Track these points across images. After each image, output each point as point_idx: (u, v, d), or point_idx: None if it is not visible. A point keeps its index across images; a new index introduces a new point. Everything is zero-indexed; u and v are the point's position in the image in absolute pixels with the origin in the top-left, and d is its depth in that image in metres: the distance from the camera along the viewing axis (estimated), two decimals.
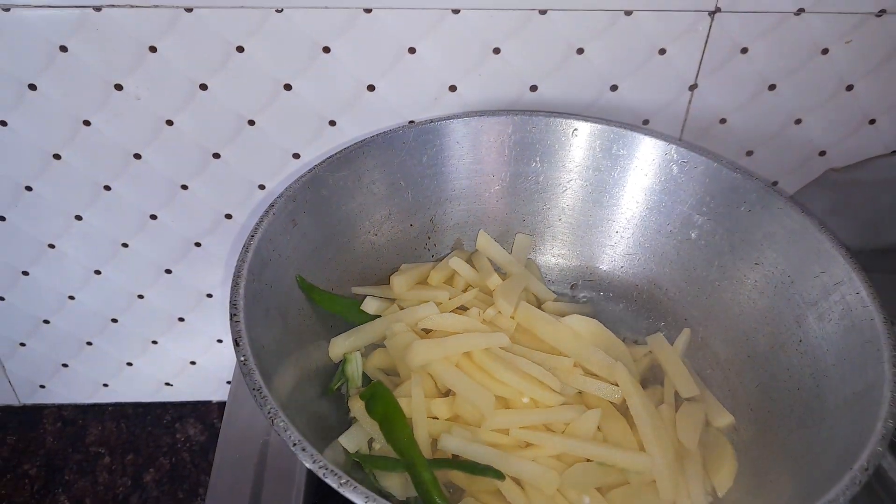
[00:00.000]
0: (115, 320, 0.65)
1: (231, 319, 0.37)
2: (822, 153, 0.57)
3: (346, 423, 0.44)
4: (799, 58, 0.51)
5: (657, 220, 0.51)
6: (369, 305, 0.49)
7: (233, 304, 0.38)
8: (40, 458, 0.70)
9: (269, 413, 0.34)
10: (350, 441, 0.42)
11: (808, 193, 0.58)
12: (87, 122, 0.52)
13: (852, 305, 0.40)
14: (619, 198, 0.52)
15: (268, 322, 0.41)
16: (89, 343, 0.67)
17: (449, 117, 0.50)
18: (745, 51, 0.51)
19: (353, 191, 0.49)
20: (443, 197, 0.53)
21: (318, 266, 0.47)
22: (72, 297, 0.63)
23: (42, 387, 0.71)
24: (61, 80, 0.50)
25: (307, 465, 0.32)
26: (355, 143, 0.48)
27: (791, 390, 0.42)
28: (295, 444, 0.33)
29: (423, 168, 0.51)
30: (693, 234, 0.50)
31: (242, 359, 0.36)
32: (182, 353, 0.69)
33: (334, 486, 0.32)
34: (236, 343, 0.36)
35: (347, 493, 0.31)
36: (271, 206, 0.44)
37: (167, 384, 0.72)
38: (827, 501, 0.32)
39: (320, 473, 0.32)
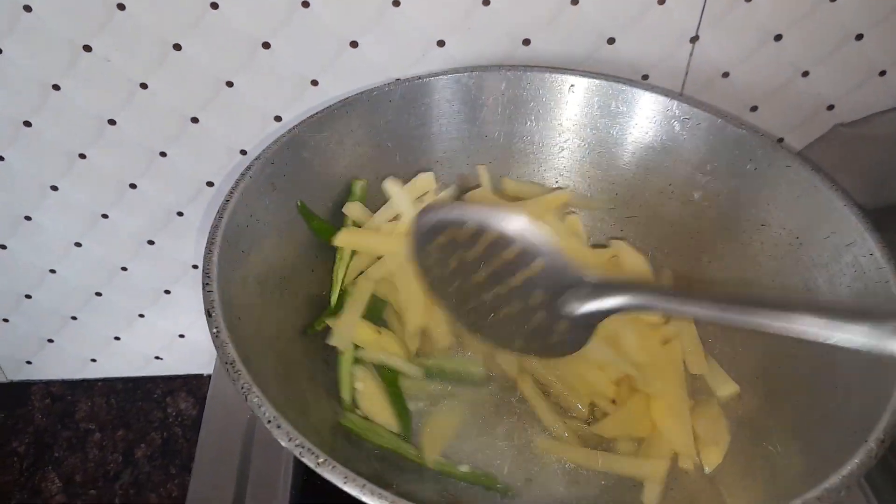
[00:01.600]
0: (98, 294, 0.63)
1: (203, 289, 0.35)
2: (830, 107, 0.54)
3: (327, 395, 0.43)
4: (805, 5, 0.49)
5: (658, 180, 0.49)
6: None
7: (205, 273, 0.36)
8: (29, 435, 0.69)
9: (242, 388, 0.32)
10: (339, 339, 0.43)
11: (815, 150, 0.56)
12: (56, 87, 0.49)
13: (865, 267, 0.37)
14: (619, 157, 0.50)
15: (245, 292, 0.39)
16: (74, 318, 0.65)
17: (438, 73, 0.48)
18: None
19: (337, 153, 0.46)
20: (433, 158, 0.50)
21: (300, 232, 0.45)
22: (53, 271, 0.61)
23: (29, 363, 0.69)
24: (26, 43, 0.47)
25: (282, 444, 0.30)
26: (337, 102, 0.46)
27: (800, 357, 0.40)
28: (269, 422, 0.31)
29: (410, 128, 0.48)
30: (696, 195, 0.48)
31: (215, 331, 0.34)
32: (170, 326, 0.67)
33: (311, 465, 0.30)
34: (208, 314, 0.34)
35: (325, 473, 0.30)
36: (248, 168, 0.41)
37: (156, 358, 0.70)
38: (841, 476, 0.30)
39: (297, 452, 0.30)
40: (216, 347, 0.33)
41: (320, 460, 0.30)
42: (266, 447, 0.50)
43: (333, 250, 0.46)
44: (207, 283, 0.35)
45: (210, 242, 0.37)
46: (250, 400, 0.31)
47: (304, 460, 0.30)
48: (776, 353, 0.42)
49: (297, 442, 0.30)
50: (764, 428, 0.41)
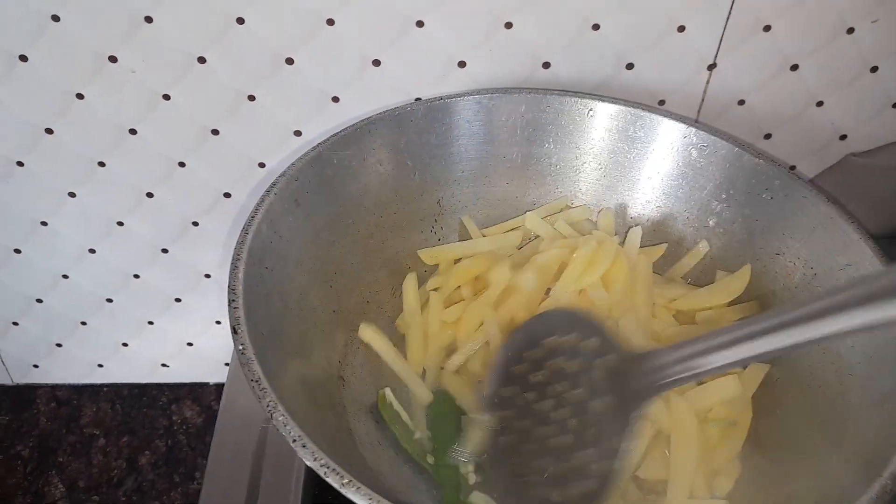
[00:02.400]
0: (110, 300, 0.64)
1: (230, 306, 0.35)
2: (843, 137, 0.55)
3: (350, 413, 0.43)
4: (823, 36, 0.49)
5: (674, 206, 0.49)
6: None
7: (231, 290, 0.36)
8: (33, 438, 0.69)
9: (267, 406, 0.32)
10: None
11: (827, 178, 0.56)
12: (79, 96, 0.50)
13: None
14: (635, 182, 0.50)
15: (268, 308, 0.39)
16: (84, 323, 0.65)
17: (460, 94, 0.48)
18: (767, 28, 0.49)
19: (358, 170, 0.47)
20: (451, 178, 0.51)
21: (321, 249, 0.45)
22: (65, 276, 0.61)
23: (36, 366, 0.69)
24: (53, 52, 0.47)
25: (308, 463, 0.31)
26: (361, 121, 0.46)
27: (813, 388, 0.40)
28: (295, 441, 0.31)
29: (431, 148, 0.49)
30: (711, 222, 0.48)
31: (241, 348, 0.34)
32: (179, 333, 0.68)
33: (336, 485, 0.30)
34: (234, 331, 0.34)
35: (350, 494, 0.30)
36: (273, 185, 0.42)
37: (163, 365, 0.70)
38: None
39: (321, 472, 0.30)
40: (241, 364, 0.33)
41: (345, 481, 0.30)
42: (277, 458, 0.50)
43: (351, 265, 0.47)
44: (234, 300, 0.36)
45: (235, 259, 0.37)
46: (275, 418, 0.32)
47: (329, 480, 0.30)
48: (789, 383, 0.42)
49: (323, 462, 0.30)
50: (776, 458, 0.41)
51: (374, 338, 0.46)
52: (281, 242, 0.41)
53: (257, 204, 0.40)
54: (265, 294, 0.39)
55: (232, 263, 0.37)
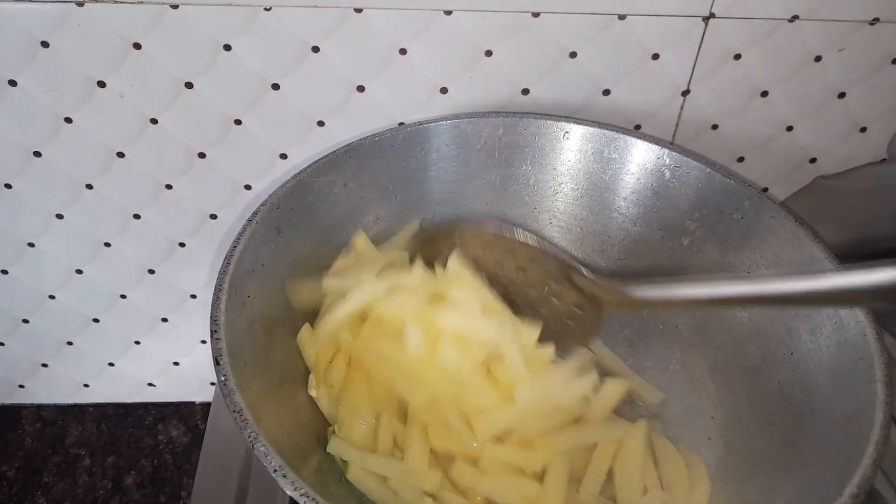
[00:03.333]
0: (96, 320, 0.64)
1: (212, 336, 0.36)
2: (813, 160, 0.57)
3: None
4: (792, 65, 0.51)
5: (649, 225, 0.51)
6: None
7: (213, 321, 0.36)
8: (19, 459, 0.69)
9: (249, 437, 0.33)
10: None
11: (798, 200, 0.58)
12: (68, 120, 0.51)
13: (845, 320, 0.39)
14: (611, 202, 0.51)
15: (251, 337, 0.39)
16: (70, 343, 0.66)
17: (438, 119, 0.50)
18: (738, 57, 0.50)
19: (340, 196, 0.48)
20: (431, 200, 0.52)
21: (304, 276, 0.46)
22: (52, 297, 0.62)
23: (21, 386, 0.70)
24: (43, 76, 0.48)
25: (289, 493, 0.31)
26: (342, 147, 0.47)
27: (782, 404, 0.41)
28: (276, 471, 0.32)
29: (410, 171, 0.50)
30: (685, 241, 0.49)
31: (223, 379, 0.34)
32: (165, 353, 0.68)
33: None
34: (217, 362, 0.35)
35: None
36: (254, 214, 0.42)
37: (150, 384, 0.71)
38: None
39: (302, 502, 0.31)
40: (223, 395, 0.34)
41: None
42: (264, 477, 0.50)
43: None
44: (216, 331, 0.36)
45: (218, 289, 0.38)
46: (257, 449, 0.32)
47: None
48: (759, 400, 0.44)
49: (303, 491, 0.31)
50: (744, 476, 0.42)
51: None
52: (263, 271, 0.42)
53: (239, 233, 0.41)
54: (248, 323, 0.39)
55: (214, 294, 0.38)
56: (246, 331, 0.39)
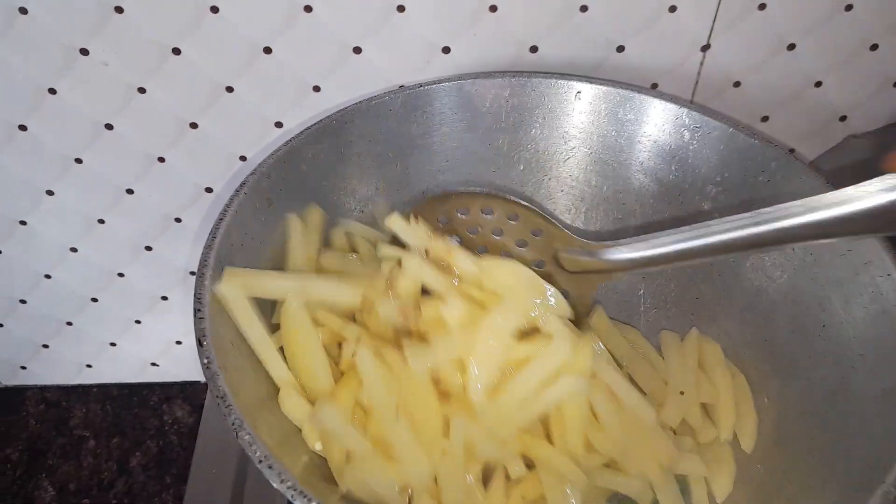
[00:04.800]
0: (94, 299, 0.62)
1: (195, 316, 0.34)
2: (843, 118, 0.53)
3: None
4: (820, 14, 0.48)
5: (667, 190, 0.48)
6: None
7: (197, 299, 0.34)
8: (23, 441, 0.68)
9: (233, 424, 0.30)
10: None
11: (827, 160, 0.55)
12: (52, 90, 0.48)
13: (883, 289, 0.36)
14: (627, 167, 0.48)
15: None
16: (69, 323, 0.64)
17: (440, 81, 0.46)
18: (762, 7, 0.47)
19: (336, 164, 0.45)
20: (435, 168, 0.49)
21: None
22: (48, 276, 0.60)
23: (23, 368, 0.68)
24: (21, 45, 0.46)
25: (274, 485, 0.29)
26: (336, 112, 0.44)
27: (813, 380, 0.38)
28: (261, 461, 0.29)
29: (412, 138, 0.47)
30: (706, 206, 0.46)
31: (206, 361, 0.32)
32: (167, 332, 0.66)
33: None
34: (199, 343, 0.33)
35: None
36: (242, 184, 0.40)
37: (153, 364, 0.69)
38: None
39: (288, 494, 0.29)
40: (206, 378, 0.32)
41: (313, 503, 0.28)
42: None
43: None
44: (199, 310, 0.34)
45: (202, 265, 0.35)
46: (241, 437, 0.30)
47: (296, 503, 0.29)
48: (788, 375, 0.41)
49: (290, 483, 0.29)
50: (773, 461, 0.39)
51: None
52: (253, 245, 0.39)
53: (226, 205, 0.38)
54: None
55: (198, 270, 0.35)
56: None
